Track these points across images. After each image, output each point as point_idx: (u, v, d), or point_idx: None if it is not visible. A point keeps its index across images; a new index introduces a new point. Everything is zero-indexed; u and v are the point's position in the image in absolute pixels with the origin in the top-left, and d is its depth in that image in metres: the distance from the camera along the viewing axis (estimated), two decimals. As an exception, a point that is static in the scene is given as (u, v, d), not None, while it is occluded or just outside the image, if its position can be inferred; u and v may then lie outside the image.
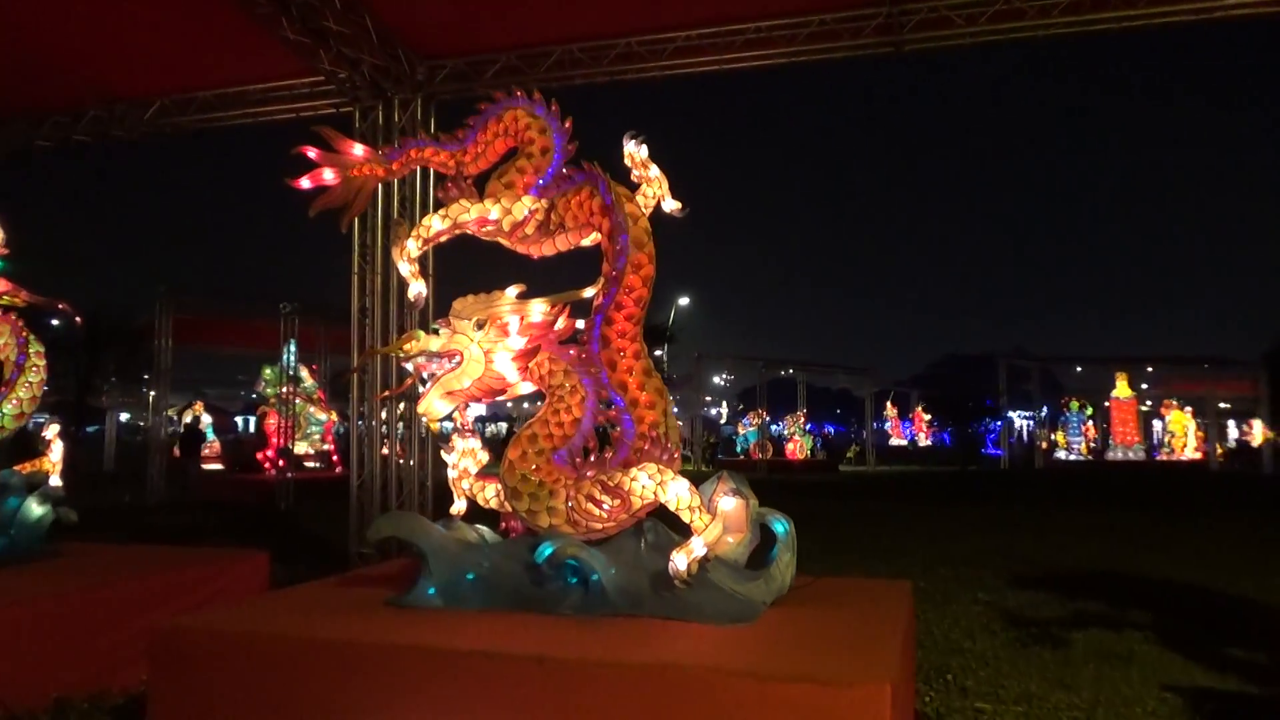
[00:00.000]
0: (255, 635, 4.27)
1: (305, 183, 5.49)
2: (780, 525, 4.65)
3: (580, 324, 4.92)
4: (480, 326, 4.71)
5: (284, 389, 20.10)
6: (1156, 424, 40.44)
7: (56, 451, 6.46)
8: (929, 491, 22.32)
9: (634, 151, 5.03)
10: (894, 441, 50.72)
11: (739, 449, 36.75)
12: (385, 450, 7.43)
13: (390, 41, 7.11)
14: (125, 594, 5.40)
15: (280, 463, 19.30)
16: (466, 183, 4.96)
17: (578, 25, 7.04)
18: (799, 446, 35.13)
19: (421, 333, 4.85)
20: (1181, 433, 37.73)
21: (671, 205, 5.04)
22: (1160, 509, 17.17)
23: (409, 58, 7.27)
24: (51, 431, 6.56)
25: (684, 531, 4.45)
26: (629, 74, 7.08)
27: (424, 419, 4.95)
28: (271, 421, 20.36)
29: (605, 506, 4.57)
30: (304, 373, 20.63)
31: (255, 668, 4.18)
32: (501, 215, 4.88)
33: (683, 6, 6.78)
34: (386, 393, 6.58)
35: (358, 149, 5.25)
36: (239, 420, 42.92)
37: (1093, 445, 38.91)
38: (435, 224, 4.92)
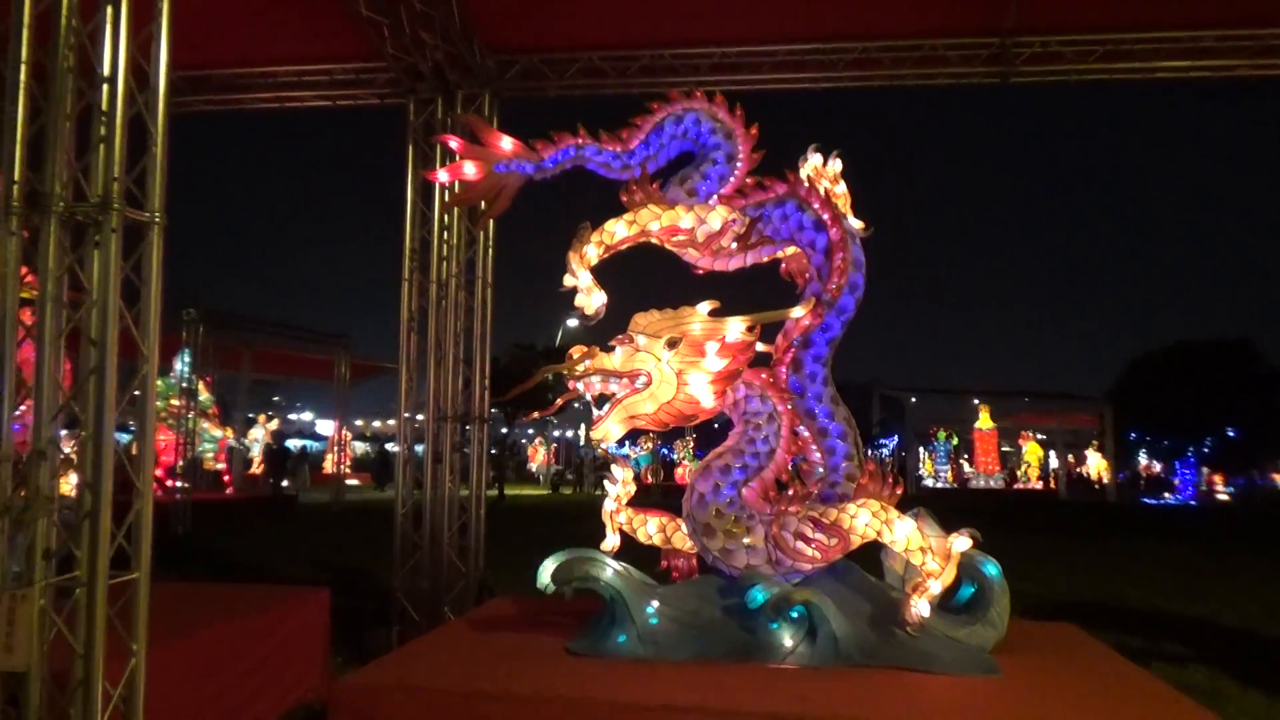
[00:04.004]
0: (450, 692, 3.72)
1: (444, 175, 4.99)
2: (992, 567, 4.44)
3: (760, 346, 4.54)
4: (671, 345, 4.27)
5: (176, 401, 18.46)
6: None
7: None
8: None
9: (822, 167, 4.71)
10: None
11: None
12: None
13: (468, 30, 6.47)
14: (206, 640, 4.60)
15: (170, 482, 17.67)
16: (653, 187, 4.51)
17: (672, 30, 6.59)
18: (688, 471, 35.24)
19: (598, 349, 4.35)
20: (1036, 463, 40.59)
21: (856, 224, 4.73)
22: (1059, 534, 18.17)
23: (480, 49, 6.64)
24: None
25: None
26: (721, 86, 6.69)
27: (600, 444, 4.43)
28: (161, 437, 18.54)
29: (817, 545, 4.23)
30: (200, 385, 18.92)
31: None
32: (695, 224, 4.46)
33: (792, 21, 6.45)
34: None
35: (505, 143, 4.72)
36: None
37: (959, 472, 40.94)
38: (620, 230, 4.43)
